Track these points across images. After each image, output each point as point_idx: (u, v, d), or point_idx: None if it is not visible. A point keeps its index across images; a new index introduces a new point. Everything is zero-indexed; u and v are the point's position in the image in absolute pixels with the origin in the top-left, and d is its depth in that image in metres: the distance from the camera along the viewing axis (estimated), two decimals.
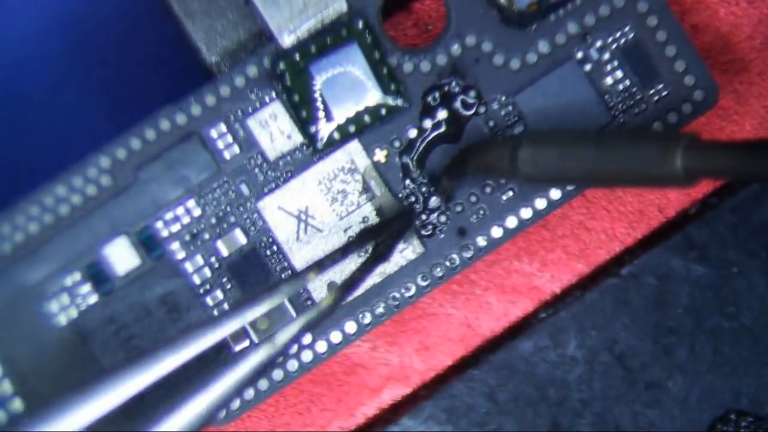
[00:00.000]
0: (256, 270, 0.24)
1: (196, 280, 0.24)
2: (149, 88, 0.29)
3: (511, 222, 0.24)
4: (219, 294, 0.24)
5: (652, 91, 0.24)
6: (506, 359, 0.25)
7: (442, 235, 0.24)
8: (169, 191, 0.24)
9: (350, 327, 0.24)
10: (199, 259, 0.24)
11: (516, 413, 0.25)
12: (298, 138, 0.24)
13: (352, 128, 0.24)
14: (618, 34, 0.24)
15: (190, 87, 0.24)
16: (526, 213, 0.24)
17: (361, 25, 0.23)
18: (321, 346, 0.24)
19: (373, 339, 0.25)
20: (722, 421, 0.25)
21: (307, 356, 0.24)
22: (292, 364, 0.24)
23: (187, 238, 0.24)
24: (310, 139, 0.24)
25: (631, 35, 0.24)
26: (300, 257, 0.24)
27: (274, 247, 0.24)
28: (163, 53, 0.29)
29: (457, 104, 0.24)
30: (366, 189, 0.24)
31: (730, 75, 0.26)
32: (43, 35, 0.29)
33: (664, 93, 0.24)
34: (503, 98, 0.24)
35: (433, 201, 0.24)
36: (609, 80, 0.24)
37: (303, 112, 0.24)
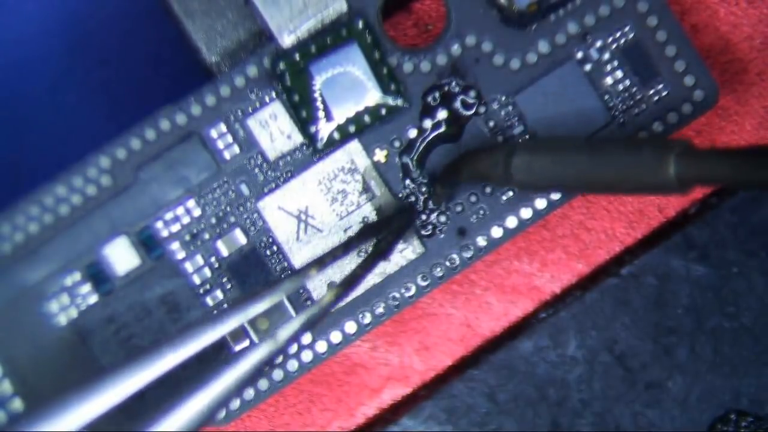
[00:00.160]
0: (256, 270, 0.24)
1: (196, 280, 0.24)
2: (149, 88, 0.29)
3: (511, 222, 0.24)
4: (219, 294, 0.24)
5: (652, 91, 0.24)
6: (506, 359, 0.25)
7: (442, 235, 0.24)
8: (169, 191, 0.24)
9: (350, 327, 0.24)
10: (199, 259, 0.24)
11: (516, 413, 0.25)
12: (298, 138, 0.24)
13: (352, 128, 0.24)
14: (618, 34, 0.24)
15: (190, 87, 0.24)
16: (526, 213, 0.24)
17: (361, 25, 0.23)
18: (321, 346, 0.24)
19: (373, 339, 0.25)
20: (722, 421, 0.25)
21: (307, 356, 0.24)
22: (292, 364, 0.24)
23: (187, 238, 0.24)
24: (310, 139, 0.24)
25: (631, 35, 0.24)
26: (300, 257, 0.24)
27: (274, 247, 0.24)
28: (163, 53, 0.29)
29: (457, 104, 0.24)
30: (366, 189, 0.24)
31: (730, 75, 0.26)
32: (43, 35, 0.29)
33: (664, 93, 0.24)
34: (503, 98, 0.24)
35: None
36: (609, 80, 0.24)
37: (303, 112, 0.24)
